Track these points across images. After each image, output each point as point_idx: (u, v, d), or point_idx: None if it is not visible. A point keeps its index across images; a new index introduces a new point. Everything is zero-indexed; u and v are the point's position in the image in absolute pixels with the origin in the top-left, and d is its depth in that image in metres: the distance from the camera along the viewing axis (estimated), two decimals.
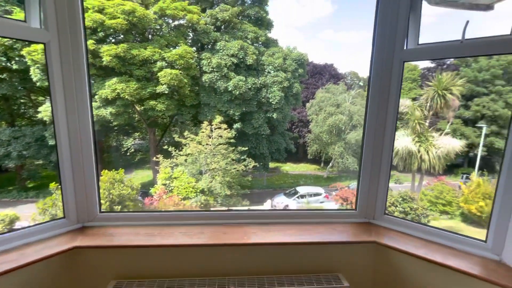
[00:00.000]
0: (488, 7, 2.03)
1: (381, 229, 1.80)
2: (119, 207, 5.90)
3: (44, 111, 14.24)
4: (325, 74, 42.46)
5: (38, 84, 14.22)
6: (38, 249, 1.42)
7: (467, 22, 1.50)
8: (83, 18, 1.52)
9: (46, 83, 12.84)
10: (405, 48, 1.64)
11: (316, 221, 1.87)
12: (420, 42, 1.70)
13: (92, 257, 1.52)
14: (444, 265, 1.43)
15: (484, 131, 19.74)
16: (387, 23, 1.64)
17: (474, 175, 16.34)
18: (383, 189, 1.83)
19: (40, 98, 20.80)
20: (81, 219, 1.68)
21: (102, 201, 6.22)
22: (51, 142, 16.31)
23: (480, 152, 21.72)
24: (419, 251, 1.53)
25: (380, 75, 1.70)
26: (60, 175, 1.59)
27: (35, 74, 13.84)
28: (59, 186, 1.61)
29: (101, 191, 6.05)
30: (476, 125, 28.19)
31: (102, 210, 1.76)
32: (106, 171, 6.80)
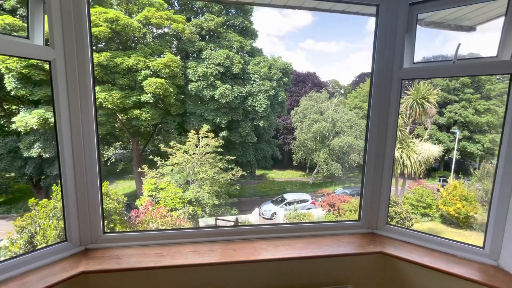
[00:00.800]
0: (471, 28, 2.22)
1: (384, 239, 1.86)
2: (105, 221, 5.63)
3: (19, 121, 13.45)
4: (308, 82, 43.56)
5: (12, 93, 13.48)
6: (42, 276, 1.34)
7: (459, 44, 1.64)
8: (90, 33, 1.50)
9: (22, 92, 12.22)
10: (403, 67, 1.75)
11: (322, 233, 1.90)
12: (414, 61, 1.82)
13: (101, 282, 1.45)
14: (448, 273, 1.51)
15: (457, 136, 20.97)
16: (386, 44, 1.75)
17: (451, 178, 17.24)
18: (385, 200, 1.90)
19: (14, 107, 19.68)
20: (84, 242, 1.61)
21: None
22: (26, 154, 15.39)
23: (454, 156, 23.02)
24: (423, 260, 1.60)
25: (380, 92, 1.79)
26: (62, 195, 1.52)
27: (9, 82, 13.14)
28: (61, 207, 1.53)
29: None
30: (450, 130, 29.91)
31: (105, 231, 1.69)
32: None
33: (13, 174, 21.20)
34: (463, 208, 15.55)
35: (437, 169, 30.19)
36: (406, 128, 10.82)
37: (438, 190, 23.26)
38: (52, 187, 6.22)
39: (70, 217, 1.54)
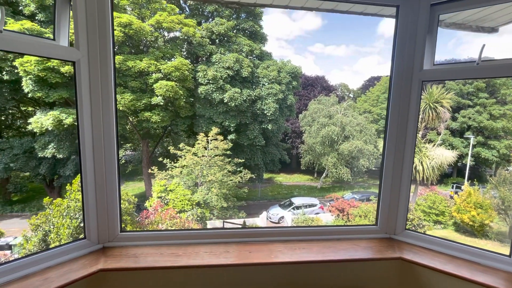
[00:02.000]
0: (493, 29, 2.16)
1: (403, 245, 1.81)
2: None
3: (35, 122, 13.90)
4: (317, 86, 43.41)
5: (29, 95, 13.96)
6: (62, 273, 1.36)
7: (483, 45, 1.59)
8: (113, 35, 1.53)
9: (38, 94, 12.61)
10: (424, 68, 1.71)
11: (338, 237, 1.87)
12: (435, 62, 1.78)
13: (118, 280, 1.47)
14: (472, 281, 1.45)
15: (471, 141, 20.39)
16: (406, 45, 1.72)
17: (466, 185, 16.72)
18: (403, 204, 1.86)
19: (30, 109, 20.34)
20: (102, 240, 1.63)
21: None
22: (41, 154, 15.84)
23: (469, 162, 22.35)
24: (446, 267, 1.55)
25: (399, 94, 1.76)
26: (83, 193, 1.54)
27: (26, 85, 13.60)
28: (74, 206, 1.56)
29: None
30: (464, 135, 29.13)
31: (122, 229, 1.71)
32: None
33: (27, 174, 21.87)
34: (478, 216, 15.05)
35: (450, 175, 29.38)
36: (418, 133, 10.59)
37: (452, 197, 22.60)
38: (66, 187, 6.37)
39: (89, 215, 1.57)
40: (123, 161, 31.92)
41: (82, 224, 5.75)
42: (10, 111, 19.95)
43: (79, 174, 1.49)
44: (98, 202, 1.59)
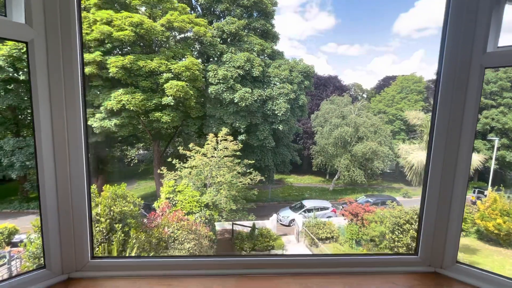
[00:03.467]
0: None
1: (453, 283, 1.38)
2: (119, 225, 5.48)
3: None
4: (330, 86, 42.51)
5: None
6: None
7: None
8: (79, 10, 1.20)
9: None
10: (487, 51, 1.28)
11: (366, 270, 1.46)
12: (499, 45, 1.35)
13: None
14: None
15: (496, 144, 19.13)
16: (462, 23, 1.29)
17: (490, 190, 15.63)
18: (455, 229, 1.42)
19: None
20: (67, 269, 1.30)
21: (102, 219, 5.72)
22: None
23: (493, 165, 21.01)
24: None
25: (452, 86, 1.34)
26: (41, 212, 1.22)
27: None
28: (40, 227, 1.24)
29: (101, 208, 5.68)
30: (487, 138, 27.57)
31: (94, 255, 1.37)
32: (108, 186, 6.43)
33: None
34: (504, 224, 13.99)
35: (471, 179, 27.91)
36: None
37: (474, 203, 21.33)
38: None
39: (50, 240, 1.24)
40: (136, 161, 32.38)
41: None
42: (28, 111, 20.56)
43: (38, 189, 1.16)
44: (62, 223, 1.25)
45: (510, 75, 29.38)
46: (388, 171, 28.41)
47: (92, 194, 6.37)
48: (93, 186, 6.43)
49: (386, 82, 46.35)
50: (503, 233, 14.12)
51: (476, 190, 23.76)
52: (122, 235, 5.44)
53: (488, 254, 13.48)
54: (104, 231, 5.32)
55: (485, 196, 21.68)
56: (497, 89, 30.56)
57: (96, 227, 5.31)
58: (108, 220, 5.45)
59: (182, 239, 7.34)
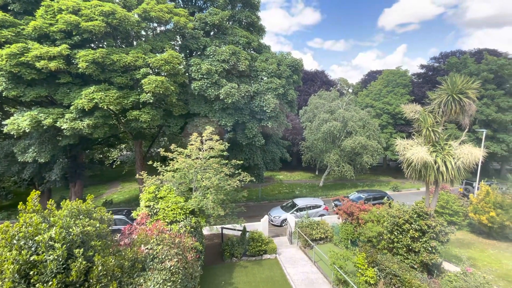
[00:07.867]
0: None
1: None
2: (80, 250, 4.45)
3: (11, 124, 12.48)
4: (317, 81, 42.10)
5: (4, 94, 12.54)
6: None
7: None
8: None
9: (13, 93, 11.19)
10: None
11: None
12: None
13: None
14: None
15: (484, 135, 19.15)
16: None
17: (483, 183, 15.51)
18: None
19: (13, 110, 18.91)
20: None
21: (56, 244, 4.57)
22: (21, 158, 14.49)
23: (481, 157, 21.18)
24: None
25: None
26: None
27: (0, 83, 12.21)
28: None
29: (55, 230, 4.60)
30: (471, 129, 27.88)
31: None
32: (67, 201, 5.33)
33: (13, 179, 20.51)
34: (497, 217, 13.85)
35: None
36: (438, 128, 9.34)
37: (464, 195, 21.42)
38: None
39: None
40: (118, 162, 30.52)
41: (35, 257, 4.47)
42: None
43: None
44: None
45: (492, 67, 29.90)
46: (375, 164, 28.32)
47: (47, 211, 5.24)
48: (50, 202, 5.32)
49: (371, 76, 46.50)
50: (497, 226, 13.98)
51: (464, 181, 23.94)
52: (84, 262, 4.41)
53: (483, 248, 13.30)
54: (60, 259, 4.27)
55: (473, 187, 21.83)
56: (481, 81, 31.17)
57: (50, 255, 4.24)
58: (63, 246, 4.39)
59: (163, 257, 6.35)
